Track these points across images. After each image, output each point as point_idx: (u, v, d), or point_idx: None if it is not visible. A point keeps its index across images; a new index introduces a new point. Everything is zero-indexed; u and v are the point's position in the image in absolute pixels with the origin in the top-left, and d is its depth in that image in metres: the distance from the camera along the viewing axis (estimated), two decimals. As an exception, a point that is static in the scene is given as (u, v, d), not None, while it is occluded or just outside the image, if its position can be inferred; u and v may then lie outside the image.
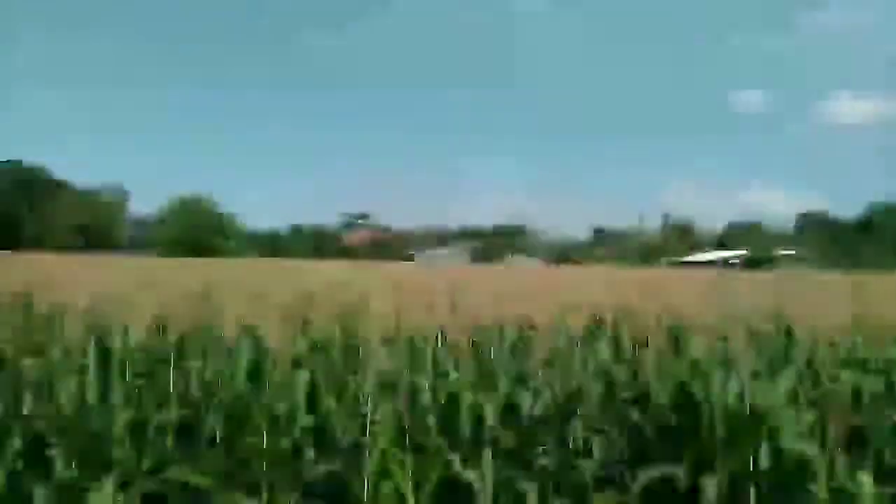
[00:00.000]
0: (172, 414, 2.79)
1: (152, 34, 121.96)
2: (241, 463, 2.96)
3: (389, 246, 71.71)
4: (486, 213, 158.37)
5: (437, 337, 3.84)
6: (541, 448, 3.36)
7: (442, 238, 79.28)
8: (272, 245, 68.12)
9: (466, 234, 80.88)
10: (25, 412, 2.83)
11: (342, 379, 3.22)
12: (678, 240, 65.06)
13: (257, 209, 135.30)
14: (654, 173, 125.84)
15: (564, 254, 66.06)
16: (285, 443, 2.87)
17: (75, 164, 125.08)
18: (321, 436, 2.91)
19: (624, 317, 4.79)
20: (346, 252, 65.41)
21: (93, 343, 3.23)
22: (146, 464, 2.84)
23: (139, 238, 65.09)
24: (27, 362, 2.99)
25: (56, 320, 3.73)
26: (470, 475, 2.86)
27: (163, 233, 60.69)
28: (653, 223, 73.18)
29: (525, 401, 3.23)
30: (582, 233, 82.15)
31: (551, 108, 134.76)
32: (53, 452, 2.82)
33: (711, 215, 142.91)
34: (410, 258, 66.55)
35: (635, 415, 3.59)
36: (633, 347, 4.36)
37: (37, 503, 2.65)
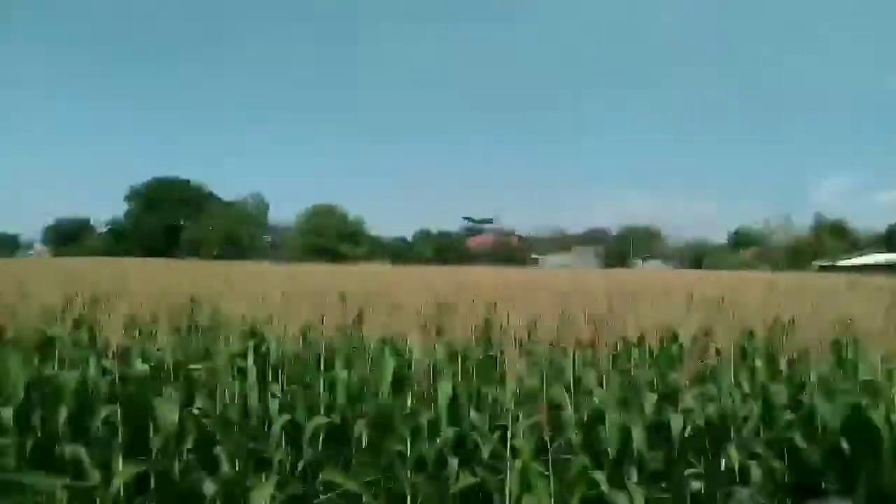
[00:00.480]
0: (322, 419, 2.94)
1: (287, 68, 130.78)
2: (387, 470, 3.05)
3: (512, 250, 71.54)
4: (609, 216, 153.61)
5: (573, 348, 3.73)
6: (691, 472, 3.16)
7: (565, 242, 77.81)
8: (398, 251, 70.42)
9: (590, 238, 78.68)
10: (196, 413, 3.09)
11: (482, 390, 3.23)
12: (833, 241, 58.85)
13: (384, 216, 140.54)
14: (796, 170, 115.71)
15: (699, 257, 62.26)
16: (429, 453, 2.92)
17: (224, 178, 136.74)
18: (462, 447, 2.93)
19: (782, 327, 4.41)
20: (470, 257, 66.04)
21: (251, 349, 3.48)
22: (301, 466, 3.01)
23: (277, 245, 69.93)
24: (195, 366, 3.27)
25: (218, 326, 4.05)
26: (616, 496, 2.75)
27: (298, 240, 64.71)
28: (798, 223, 67.06)
29: (674, 420, 3.06)
30: (716, 235, 77.15)
31: (682, 106, 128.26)
32: (219, 450, 3.06)
33: (865, 215, 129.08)
34: (534, 262, 66.05)
35: (798, 439, 3.29)
36: (791, 363, 3.99)
37: (206, 496, 2.90)
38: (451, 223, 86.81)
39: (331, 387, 3.26)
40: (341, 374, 3.17)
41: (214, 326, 4.11)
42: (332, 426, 3.01)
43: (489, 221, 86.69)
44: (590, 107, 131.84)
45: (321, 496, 3.03)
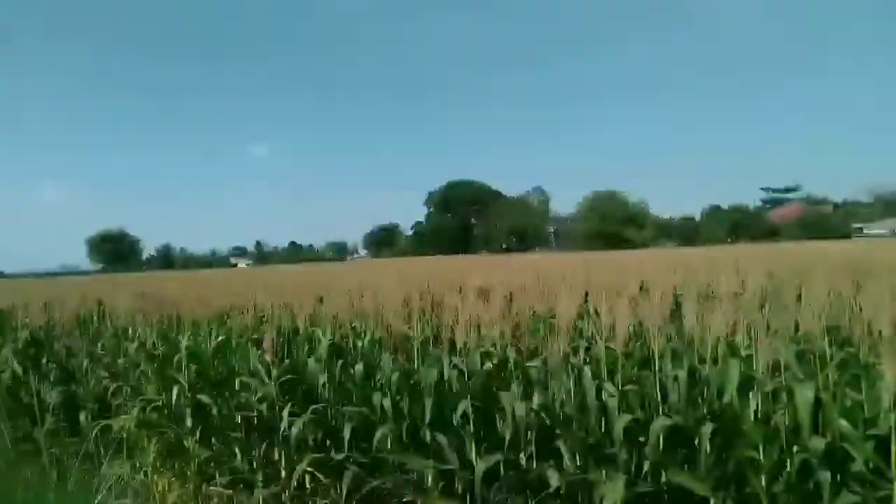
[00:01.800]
0: (665, 420, 2.87)
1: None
2: (737, 476, 2.86)
3: (826, 220, 61.73)
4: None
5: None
6: None
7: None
8: (686, 231, 66.08)
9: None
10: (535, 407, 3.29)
11: (847, 393, 2.82)
12: None
13: (669, 196, 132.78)
14: None
15: None
16: (792, 462, 2.65)
17: (509, 177, 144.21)
18: (831, 460, 2.59)
19: None
20: (771, 232, 58.91)
21: (582, 346, 3.57)
22: (645, 465, 2.99)
23: (561, 235, 71.30)
24: (531, 364, 3.48)
25: (543, 321, 4.24)
26: None
27: (581, 228, 65.06)
28: None
29: None
30: None
31: None
32: (561, 444, 3.20)
33: None
34: (855, 233, 56.15)
35: None
36: None
37: (550, 484, 3.06)
38: (746, 196, 78.26)
39: (666, 386, 3.17)
40: (679, 373, 3.06)
41: (538, 322, 4.32)
42: (673, 427, 2.93)
43: (794, 189, 76.19)
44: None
45: (666, 497, 2.98)
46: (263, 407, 4.11)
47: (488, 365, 3.53)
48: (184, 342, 4.70)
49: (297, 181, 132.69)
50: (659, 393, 3.11)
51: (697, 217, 74.74)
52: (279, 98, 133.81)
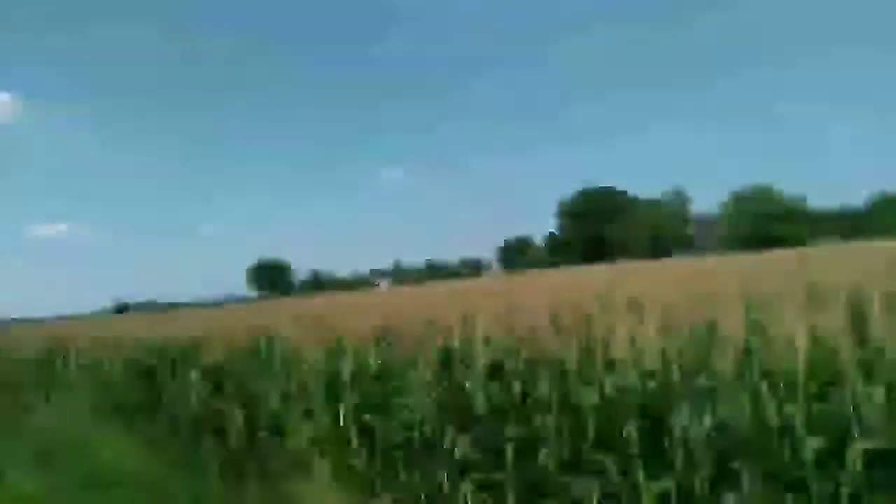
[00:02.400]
0: (864, 444, 2.60)
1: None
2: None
3: None
4: None
5: None
6: None
7: None
8: (849, 225, 59.62)
9: None
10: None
11: None
12: None
13: (829, 186, 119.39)
14: None
15: None
16: None
17: (644, 179, 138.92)
18: None
19: None
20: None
21: (756, 363, 3.34)
22: (843, 491, 2.72)
23: (702, 238, 67.11)
24: (703, 382, 3.30)
25: (711, 335, 4.01)
26: None
27: (726, 229, 60.79)
28: None
29: None
30: None
31: None
32: (740, 467, 3.00)
33: None
34: None
35: None
36: None
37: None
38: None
39: (860, 405, 2.88)
40: (876, 390, 2.77)
41: (704, 335, 4.09)
42: (875, 451, 2.64)
43: None
44: None
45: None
46: (426, 427, 4.25)
47: (652, 384, 3.40)
48: (348, 365, 5.00)
49: (429, 199, 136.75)
50: (853, 412, 2.83)
51: (863, 207, 67.12)
52: (410, 119, 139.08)
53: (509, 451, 3.60)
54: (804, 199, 59.65)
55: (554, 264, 62.64)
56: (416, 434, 4.47)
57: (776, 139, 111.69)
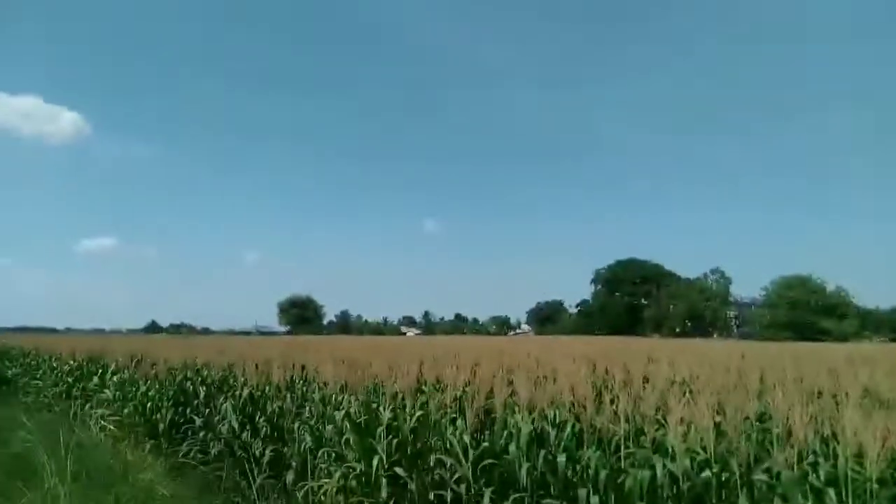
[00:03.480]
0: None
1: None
2: None
3: None
4: None
5: None
6: None
7: None
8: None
9: None
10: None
11: None
12: None
13: (873, 284, 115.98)
14: None
15: None
16: None
17: (683, 257, 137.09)
18: None
19: None
20: None
21: (821, 464, 3.19)
22: None
23: (742, 322, 65.46)
24: (757, 476, 3.15)
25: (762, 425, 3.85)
26: None
27: (767, 315, 59.21)
28: None
29: None
30: None
31: None
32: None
33: None
34: None
35: None
36: None
37: None
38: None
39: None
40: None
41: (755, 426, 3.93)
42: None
43: None
44: None
45: None
46: (461, 488, 4.15)
47: (707, 473, 3.26)
48: (385, 414, 4.95)
49: (462, 255, 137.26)
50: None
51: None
52: (450, 173, 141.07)
53: (550, 524, 3.48)
54: (849, 294, 58.00)
55: (585, 332, 61.71)
56: (448, 494, 4.37)
57: (822, 227, 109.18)
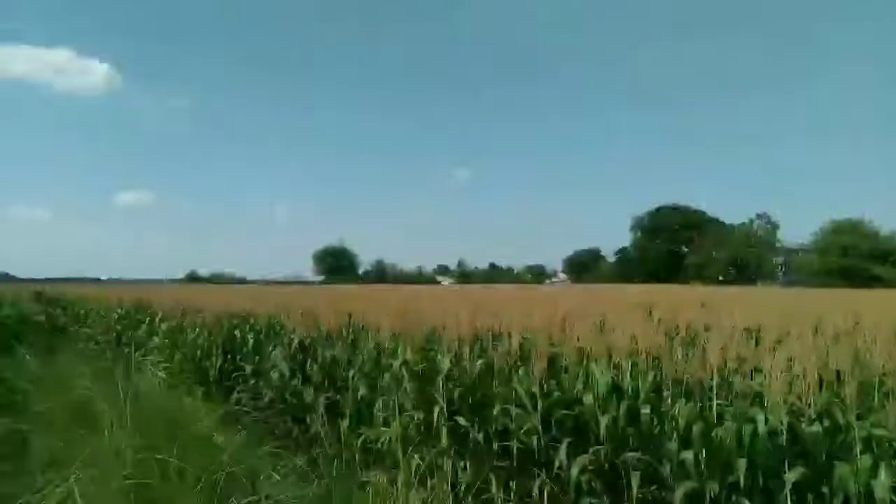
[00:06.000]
0: None
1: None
2: None
3: None
4: None
5: None
6: None
7: None
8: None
9: None
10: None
11: None
12: None
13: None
14: None
15: None
16: None
17: (730, 201, 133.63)
18: None
19: None
20: None
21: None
22: None
23: (789, 269, 63.72)
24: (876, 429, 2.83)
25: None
26: None
27: (815, 261, 57.33)
28: None
29: None
30: None
31: None
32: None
33: None
34: None
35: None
36: None
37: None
38: None
39: None
40: None
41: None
42: None
43: None
44: None
45: None
46: (532, 439, 3.92)
47: (815, 427, 2.94)
48: (444, 362, 4.73)
49: (497, 202, 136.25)
50: None
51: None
52: (486, 124, 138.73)
53: (635, 480, 3.22)
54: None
55: (625, 280, 60.93)
56: (514, 444, 4.15)
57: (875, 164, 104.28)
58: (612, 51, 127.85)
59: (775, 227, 68.84)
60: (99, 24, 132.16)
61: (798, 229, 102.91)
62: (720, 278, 59.82)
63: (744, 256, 63.33)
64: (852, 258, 52.59)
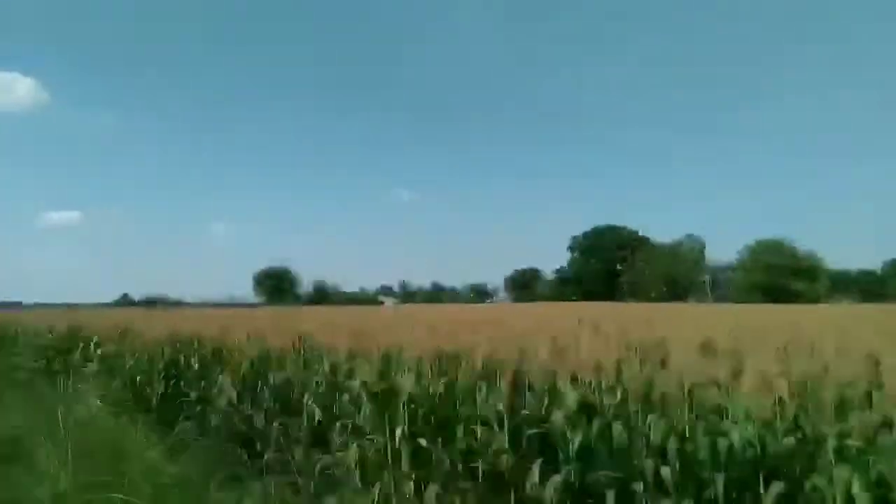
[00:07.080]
0: None
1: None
2: None
3: None
4: None
5: None
6: None
7: None
8: (867, 286, 59.06)
9: None
10: None
11: None
12: None
13: (843, 247, 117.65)
14: None
15: None
16: None
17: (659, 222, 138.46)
18: None
19: None
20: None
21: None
22: None
23: (716, 286, 66.58)
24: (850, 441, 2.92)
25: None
26: None
27: (740, 279, 60.23)
28: None
29: None
30: None
31: None
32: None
33: None
34: None
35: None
36: None
37: None
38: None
39: None
40: None
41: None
42: None
43: None
44: None
45: None
46: (501, 459, 3.87)
47: (789, 440, 3.01)
48: (406, 382, 4.64)
49: (438, 223, 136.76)
50: None
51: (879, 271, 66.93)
52: (427, 147, 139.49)
53: (610, 498, 3.21)
54: (819, 257, 59.19)
55: (562, 298, 62.14)
56: (480, 465, 4.09)
57: (795, 195, 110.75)
58: (549, 79, 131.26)
59: (702, 246, 71.97)
60: (24, 37, 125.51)
61: (726, 249, 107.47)
62: (653, 295, 61.81)
63: (674, 275, 65.80)
64: (774, 276, 55.49)
